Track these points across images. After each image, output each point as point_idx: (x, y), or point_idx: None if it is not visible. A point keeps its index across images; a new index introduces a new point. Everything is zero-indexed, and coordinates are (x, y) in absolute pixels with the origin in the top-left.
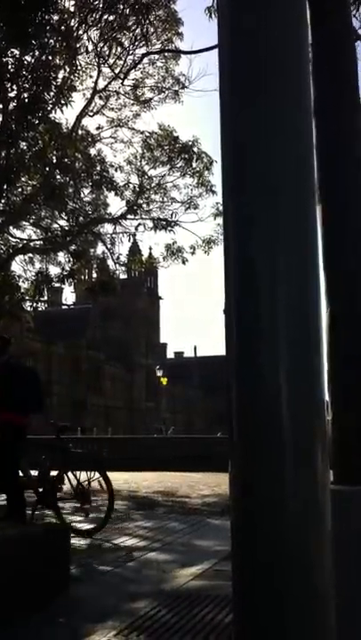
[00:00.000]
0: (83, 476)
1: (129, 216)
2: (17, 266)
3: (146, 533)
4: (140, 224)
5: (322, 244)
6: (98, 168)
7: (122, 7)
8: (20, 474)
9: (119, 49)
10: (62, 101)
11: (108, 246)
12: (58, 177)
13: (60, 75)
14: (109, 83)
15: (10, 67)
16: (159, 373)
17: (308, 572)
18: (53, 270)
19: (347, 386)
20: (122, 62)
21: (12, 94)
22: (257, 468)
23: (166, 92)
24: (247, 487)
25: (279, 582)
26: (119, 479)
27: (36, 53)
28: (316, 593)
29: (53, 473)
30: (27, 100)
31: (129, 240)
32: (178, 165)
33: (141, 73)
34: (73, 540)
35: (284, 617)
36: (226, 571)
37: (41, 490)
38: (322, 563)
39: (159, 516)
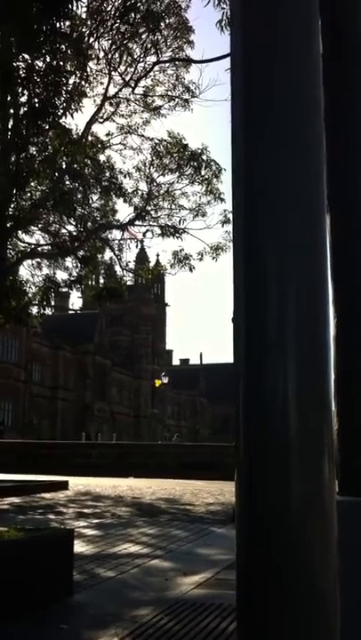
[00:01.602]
0: None
1: (137, 222)
2: (25, 270)
3: (149, 540)
4: (147, 230)
5: (330, 255)
6: (107, 174)
7: (133, 15)
8: None
9: (130, 57)
10: (73, 107)
11: (116, 252)
12: (67, 182)
13: (71, 80)
14: (120, 90)
15: (21, 72)
16: (165, 380)
17: (314, 581)
18: (61, 275)
19: (354, 396)
20: (132, 70)
21: (22, 99)
22: (263, 477)
23: (176, 99)
24: (253, 496)
25: (284, 591)
26: (122, 485)
27: (48, 59)
28: (322, 602)
29: None
30: (37, 105)
31: (137, 246)
32: (187, 173)
33: (152, 80)
34: (76, 547)
35: (290, 625)
36: (229, 580)
37: None
38: (328, 572)
39: (163, 523)
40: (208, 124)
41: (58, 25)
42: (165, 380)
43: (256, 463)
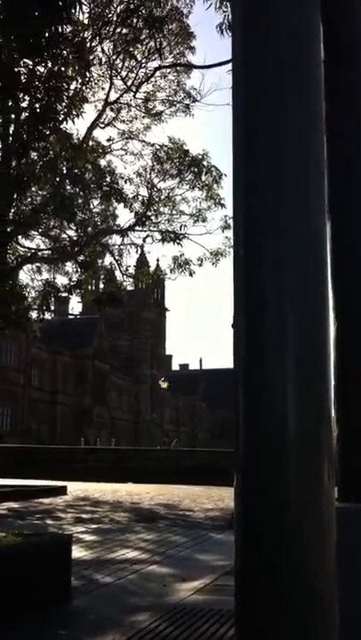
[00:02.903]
0: None
1: (137, 228)
2: (24, 275)
3: (147, 546)
4: (148, 236)
5: (331, 259)
6: (108, 179)
7: (135, 20)
8: None
9: (132, 62)
10: (74, 112)
11: (116, 257)
12: (68, 187)
13: (73, 86)
14: (121, 95)
15: (22, 77)
16: (163, 385)
17: (312, 584)
18: (61, 280)
19: (351, 396)
20: (134, 75)
21: (24, 104)
22: (262, 482)
23: (177, 105)
24: (252, 501)
25: (280, 594)
26: (121, 490)
27: (49, 64)
28: (320, 605)
29: None
30: (38, 111)
31: (137, 252)
32: (187, 178)
33: (153, 86)
34: (74, 552)
35: (286, 628)
36: (228, 586)
37: None
38: (326, 575)
39: (161, 528)
40: (210, 128)
41: (60, 30)
42: (164, 385)
43: (254, 465)
